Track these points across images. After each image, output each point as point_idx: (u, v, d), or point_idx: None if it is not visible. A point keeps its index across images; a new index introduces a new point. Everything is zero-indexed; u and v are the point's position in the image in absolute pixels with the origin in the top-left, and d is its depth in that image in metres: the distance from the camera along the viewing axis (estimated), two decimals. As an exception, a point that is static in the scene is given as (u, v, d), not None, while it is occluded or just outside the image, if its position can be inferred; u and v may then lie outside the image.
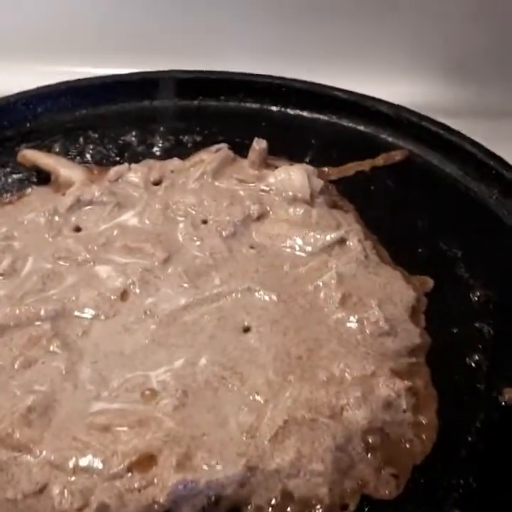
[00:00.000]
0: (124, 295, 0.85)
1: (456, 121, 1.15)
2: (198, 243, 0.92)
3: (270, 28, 1.47)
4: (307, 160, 1.10)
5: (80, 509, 0.65)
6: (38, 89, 1.17)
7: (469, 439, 0.74)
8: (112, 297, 0.84)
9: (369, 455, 0.71)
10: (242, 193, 1.00)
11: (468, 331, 0.86)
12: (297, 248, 0.93)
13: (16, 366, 0.77)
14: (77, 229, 0.94)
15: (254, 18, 1.46)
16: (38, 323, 0.81)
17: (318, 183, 1.01)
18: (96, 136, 1.15)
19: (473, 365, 0.82)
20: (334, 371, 0.76)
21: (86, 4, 1.44)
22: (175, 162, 1.06)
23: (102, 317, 0.83)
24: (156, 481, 0.66)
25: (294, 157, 1.10)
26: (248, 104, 1.23)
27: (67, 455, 0.68)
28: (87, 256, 0.89)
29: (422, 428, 0.74)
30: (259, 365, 0.77)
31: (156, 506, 0.65)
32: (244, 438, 0.70)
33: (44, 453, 0.68)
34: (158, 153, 1.13)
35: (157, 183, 1.02)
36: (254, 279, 0.88)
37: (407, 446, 0.73)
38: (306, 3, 1.44)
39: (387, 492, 0.69)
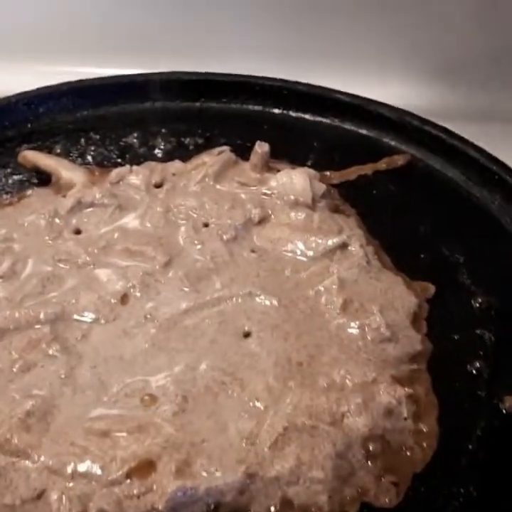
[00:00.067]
0: (124, 299, 0.85)
1: (458, 125, 1.14)
2: (199, 247, 0.92)
3: (270, 29, 1.47)
4: (309, 163, 1.09)
5: (78, 515, 0.64)
6: (39, 89, 1.17)
7: (470, 447, 0.74)
8: (112, 301, 0.84)
9: (369, 462, 0.70)
10: (243, 196, 1.00)
11: (470, 337, 0.85)
12: (299, 253, 0.92)
13: (14, 370, 0.76)
14: (78, 231, 0.94)
15: (255, 18, 1.46)
16: (37, 326, 0.80)
17: (320, 187, 1.01)
18: (97, 137, 1.15)
19: (474, 372, 0.81)
20: (335, 377, 0.76)
21: (87, 4, 1.44)
22: (176, 164, 1.06)
23: (102, 321, 0.82)
24: (155, 487, 0.65)
25: (296, 160, 1.09)
26: (250, 107, 1.23)
27: (65, 460, 0.67)
28: (88, 259, 0.89)
29: (423, 436, 0.74)
30: (260, 371, 0.77)
31: (154, 513, 0.65)
32: (243, 444, 0.69)
33: (42, 458, 0.68)
34: (159, 155, 1.12)
35: (158, 186, 1.02)
36: (255, 283, 0.87)
37: (408, 453, 0.72)
38: (307, 4, 1.43)
39: (387, 500, 0.69)
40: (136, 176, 1.02)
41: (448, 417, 0.76)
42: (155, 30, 1.47)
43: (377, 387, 0.75)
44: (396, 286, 0.89)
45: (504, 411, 0.77)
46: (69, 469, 0.66)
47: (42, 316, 0.81)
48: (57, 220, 0.95)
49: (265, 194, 1.00)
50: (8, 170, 1.07)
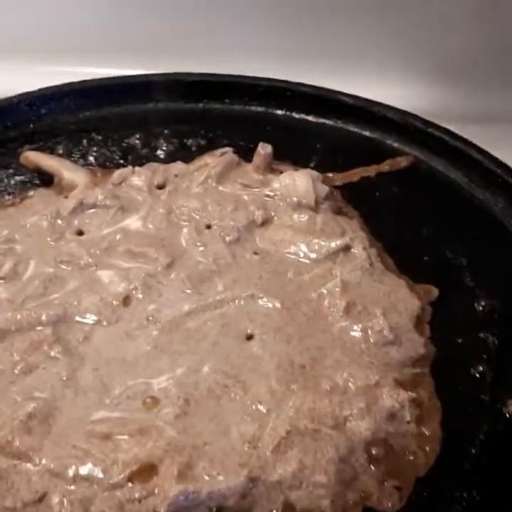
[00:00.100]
0: (126, 300, 0.85)
1: (460, 126, 1.14)
2: (201, 248, 0.92)
3: (271, 29, 1.46)
4: (312, 165, 1.09)
5: (80, 518, 0.64)
6: (42, 90, 1.17)
7: (473, 451, 0.74)
8: (114, 302, 0.84)
9: (372, 467, 0.70)
10: (246, 197, 1.00)
11: (473, 341, 0.85)
12: (301, 255, 0.92)
13: (16, 371, 0.76)
14: (80, 233, 0.94)
15: (256, 18, 1.46)
16: (39, 328, 0.80)
17: (323, 189, 1.00)
18: (100, 138, 1.14)
19: (477, 375, 0.81)
20: (338, 381, 0.76)
21: (90, 5, 1.44)
22: (179, 166, 1.06)
23: (104, 323, 0.82)
24: (156, 491, 0.65)
25: (299, 162, 1.09)
26: (253, 108, 1.23)
27: (67, 463, 0.67)
28: (90, 260, 0.89)
29: (426, 440, 0.74)
30: (262, 374, 0.76)
31: (156, 517, 0.64)
32: (246, 448, 0.69)
33: (44, 461, 0.67)
34: (162, 156, 1.12)
35: (161, 187, 1.02)
36: (258, 285, 0.87)
37: (411, 458, 0.72)
38: (308, 4, 1.43)
39: (390, 504, 0.69)
40: (138, 177, 1.02)
41: (451, 421, 0.76)
42: (157, 31, 1.47)
43: (380, 391, 0.75)
44: (399, 289, 0.88)
45: (507, 415, 0.77)
46: (70, 472, 0.66)
47: (44, 317, 0.81)
48: (59, 221, 0.94)
49: (268, 196, 1.00)
50: (10, 170, 1.07)
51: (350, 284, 0.88)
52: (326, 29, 1.46)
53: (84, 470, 0.66)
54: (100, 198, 0.96)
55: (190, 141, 1.15)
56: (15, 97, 1.15)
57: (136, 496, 0.65)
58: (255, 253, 0.92)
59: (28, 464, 0.68)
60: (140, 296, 0.85)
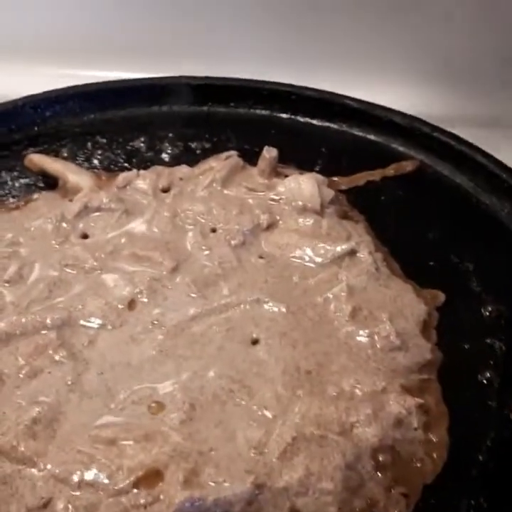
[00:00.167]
0: (131, 304, 0.84)
1: (467, 130, 1.13)
2: (206, 252, 0.91)
3: (273, 31, 1.46)
4: (317, 169, 1.09)
5: (85, 525, 0.64)
6: (46, 93, 1.17)
7: (480, 458, 0.73)
8: (119, 306, 0.83)
9: (379, 474, 0.70)
10: (251, 201, 0.99)
11: (480, 346, 0.84)
12: (307, 259, 0.92)
13: (21, 376, 0.76)
14: (85, 236, 0.94)
15: (257, 21, 1.45)
16: (44, 331, 0.80)
17: (329, 193, 1.00)
18: (104, 141, 1.14)
19: (484, 381, 0.80)
20: (344, 386, 0.75)
21: (95, 8, 1.44)
22: (183, 169, 1.05)
23: (109, 327, 0.82)
24: (162, 497, 0.64)
25: (304, 165, 1.09)
26: (258, 111, 1.23)
27: (71, 469, 0.66)
28: (95, 264, 0.88)
29: (433, 446, 0.73)
30: (268, 379, 0.76)
31: (162, 523, 0.64)
32: (252, 454, 0.68)
33: (49, 466, 0.67)
34: (166, 159, 1.12)
35: (166, 191, 1.01)
36: (263, 289, 0.87)
37: (418, 464, 0.72)
38: (310, 7, 1.43)
39: (397, 512, 0.68)
40: (143, 181, 1.01)
41: (458, 427, 0.75)
42: (161, 34, 1.47)
43: (386, 397, 0.74)
44: (405, 294, 0.88)
45: (515, 421, 0.77)
46: (75, 478, 0.66)
47: (48, 321, 0.80)
48: (64, 225, 0.94)
49: (273, 199, 0.99)
50: (15, 173, 1.06)
51: (356, 288, 0.87)
52: (329, 31, 1.46)
53: (89, 475, 0.66)
54: (105, 201, 0.96)
55: (194, 145, 1.14)
56: (19, 99, 1.15)
57: (142, 502, 0.64)
58: (261, 257, 0.92)
59: (33, 469, 0.67)
60: (145, 300, 0.85)
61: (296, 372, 0.77)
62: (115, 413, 0.72)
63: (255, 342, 0.81)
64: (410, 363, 0.80)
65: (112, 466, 0.66)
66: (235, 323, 0.83)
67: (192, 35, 1.46)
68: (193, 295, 0.85)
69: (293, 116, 1.22)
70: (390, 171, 1.11)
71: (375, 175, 1.10)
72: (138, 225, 0.95)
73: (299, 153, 1.11)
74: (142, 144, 1.14)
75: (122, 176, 1.01)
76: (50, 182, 1.04)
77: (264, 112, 1.22)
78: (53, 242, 0.92)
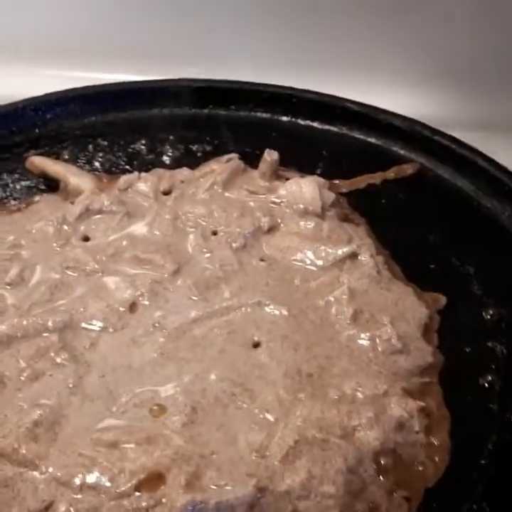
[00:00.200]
0: (132, 307, 0.84)
1: (467, 134, 1.14)
2: (207, 255, 0.91)
3: (274, 33, 1.46)
4: (318, 172, 1.09)
5: (87, 528, 0.64)
6: (47, 95, 1.17)
7: (482, 461, 0.73)
8: (121, 309, 0.83)
9: (381, 477, 0.70)
10: (252, 204, 0.99)
11: (481, 350, 0.84)
12: (308, 262, 0.92)
13: (22, 378, 0.76)
14: (86, 238, 0.94)
15: (256, 21, 1.45)
16: (45, 334, 0.80)
17: (330, 196, 1.00)
18: (105, 143, 1.14)
19: (486, 385, 0.80)
20: (346, 390, 0.75)
21: (95, 10, 1.44)
22: (185, 172, 1.05)
23: (111, 329, 0.82)
24: (164, 500, 0.64)
25: (305, 168, 1.09)
26: (258, 114, 1.23)
27: (73, 472, 0.66)
28: (96, 266, 0.88)
29: (435, 450, 0.73)
30: (270, 382, 0.76)
31: (164, 527, 0.64)
32: (253, 457, 0.68)
33: (50, 469, 0.67)
34: (167, 162, 1.12)
35: (167, 193, 1.02)
36: (265, 292, 0.87)
37: (420, 468, 0.72)
38: (310, 10, 1.43)
39: (399, 516, 0.68)
40: (144, 183, 1.01)
41: (460, 430, 0.75)
42: (162, 36, 1.47)
43: (388, 400, 0.74)
44: (407, 297, 0.88)
45: (516, 425, 0.77)
46: (77, 481, 0.66)
47: (50, 324, 0.80)
48: (65, 227, 0.94)
49: (274, 202, 1.00)
50: (16, 175, 1.06)
51: (358, 291, 0.87)
52: (329, 31, 1.45)
53: (91, 479, 0.66)
54: (106, 203, 0.96)
55: (195, 147, 1.14)
56: (20, 102, 1.15)
57: (144, 505, 0.64)
58: (262, 260, 0.92)
59: (35, 472, 0.67)
60: (146, 302, 0.85)
61: (297, 376, 0.77)
62: (117, 416, 0.72)
63: (257, 345, 0.81)
64: (412, 366, 0.80)
65: (113, 469, 0.66)
66: (236, 326, 0.83)
67: (192, 36, 1.45)
68: (194, 298, 0.85)
69: (294, 119, 1.22)
70: (391, 174, 1.11)
71: (376, 178, 1.10)
72: (139, 228, 0.95)
73: (299, 156, 1.11)
74: (143, 147, 1.14)
75: (123, 179, 1.01)
76: (52, 184, 1.04)
77: (264, 115, 1.22)
78: (55, 244, 0.92)
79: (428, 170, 1.12)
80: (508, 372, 0.82)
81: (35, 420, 0.70)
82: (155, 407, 0.73)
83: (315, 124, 1.21)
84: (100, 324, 0.82)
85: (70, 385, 0.75)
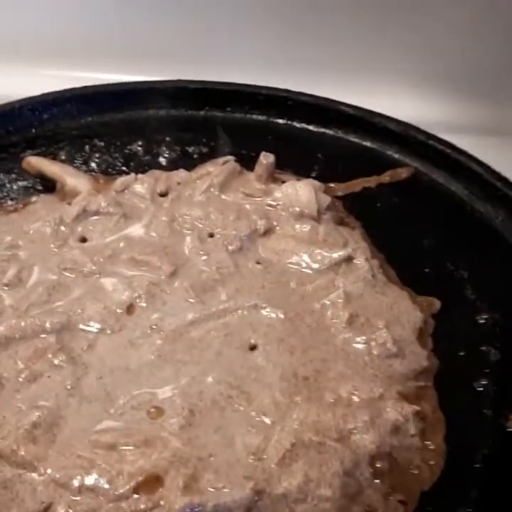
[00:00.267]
0: (130, 309, 0.85)
1: (462, 138, 1.14)
2: (204, 257, 0.92)
3: (274, 33, 1.46)
4: (314, 175, 1.09)
5: (85, 530, 0.64)
6: (44, 95, 1.16)
7: (476, 465, 0.74)
8: (118, 311, 0.84)
9: (377, 481, 0.70)
10: (248, 207, 1.00)
11: (475, 354, 0.85)
12: (304, 265, 0.92)
13: (20, 379, 0.76)
14: (83, 239, 0.94)
15: (256, 22, 1.45)
16: (43, 335, 0.80)
17: (326, 199, 1.00)
18: (102, 144, 1.14)
19: (480, 389, 0.81)
20: (341, 393, 0.76)
21: (93, 11, 1.43)
22: (181, 174, 1.05)
23: (108, 331, 0.82)
24: (162, 503, 0.65)
25: (301, 171, 1.09)
26: (254, 116, 1.23)
27: (72, 474, 0.67)
28: (93, 268, 0.89)
29: (430, 453, 0.74)
30: (266, 385, 0.76)
31: (162, 529, 0.64)
32: (251, 460, 0.69)
33: (49, 471, 0.67)
34: (164, 163, 1.12)
35: (163, 195, 1.02)
36: (261, 295, 0.87)
37: (415, 472, 0.72)
38: (309, 14, 1.43)
39: (395, 519, 0.69)
40: (141, 185, 1.01)
41: (454, 434, 0.76)
42: (159, 37, 1.46)
43: (384, 404, 0.75)
44: (402, 301, 0.89)
45: (510, 430, 0.77)
46: (76, 483, 0.66)
47: (48, 325, 0.80)
48: (62, 228, 0.94)
49: (270, 205, 1.00)
50: (13, 176, 1.06)
51: (353, 295, 0.88)
52: (329, 31, 1.45)
53: (89, 480, 0.66)
54: (103, 205, 0.96)
55: (192, 149, 1.14)
56: (17, 101, 1.14)
57: (142, 507, 0.65)
58: (258, 262, 0.92)
59: (33, 474, 0.67)
60: (144, 304, 0.85)
61: (293, 379, 0.77)
62: (115, 418, 0.73)
63: (253, 348, 0.81)
64: (407, 369, 0.80)
65: (112, 471, 0.67)
66: (232, 329, 0.83)
67: (192, 36, 1.45)
68: (191, 300, 0.86)
69: (289, 122, 1.22)
70: (386, 177, 1.11)
71: (371, 181, 1.10)
72: (136, 229, 0.95)
73: (295, 159, 1.11)
74: (140, 148, 1.14)
75: (120, 180, 1.02)
76: (49, 185, 1.04)
77: (260, 117, 1.22)
78: (52, 245, 0.92)
79: (422, 174, 1.12)
80: (501, 377, 0.82)
81: (33, 422, 0.70)
82: (152, 410, 0.74)
83: (310, 127, 1.21)
84: (98, 326, 0.82)
85: (68, 387, 0.75)
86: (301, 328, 0.84)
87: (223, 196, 1.01)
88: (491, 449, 0.75)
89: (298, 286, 0.90)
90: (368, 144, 1.19)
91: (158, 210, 0.98)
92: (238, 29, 1.45)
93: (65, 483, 0.66)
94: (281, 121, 1.23)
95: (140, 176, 1.03)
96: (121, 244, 0.92)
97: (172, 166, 1.10)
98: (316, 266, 0.92)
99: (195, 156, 1.13)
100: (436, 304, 0.90)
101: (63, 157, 1.11)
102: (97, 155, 1.12)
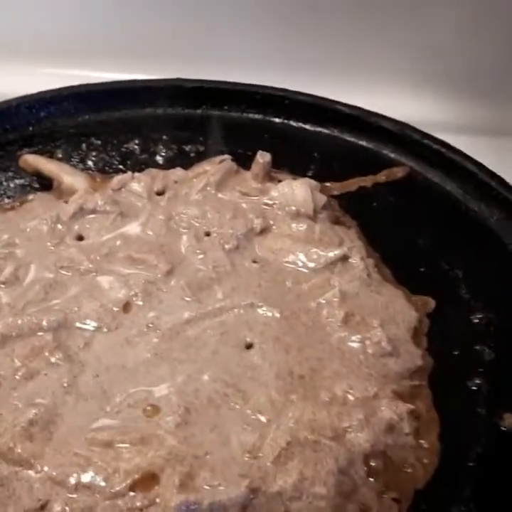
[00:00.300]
0: (126, 307, 0.85)
1: (457, 138, 1.15)
2: (200, 256, 0.92)
3: (273, 32, 1.46)
4: (310, 174, 1.09)
5: (82, 528, 0.64)
6: (41, 93, 1.17)
7: (470, 464, 0.74)
8: (115, 309, 0.84)
9: (371, 479, 0.71)
10: (245, 206, 1.00)
11: (469, 353, 0.85)
12: (300, 264, 0.92)
13: (17, 377, 0.76)
14: (80, 238, 0.94)
15: (256, 22, 1.45)
16: (40, 333, 0.80)
17: (322, 199, 1.01)
18: (99, 142, 1.14)
19: (474, 388, 0.81)
20: (337, 392, 0.76)
21: (90, 9, 1.43)
22: (178, 172, 1.06)
23: (104, 329, 0.82)
24: (158, 500, 0.65)
25: (297, 170, 1.10)
26: (251, 115, 1.23)
27: (68, 471, 0.67)
28: (90, 266, 0.89)
29: (424, 452, 0.74)
30: (262, 383, 0.77)
31: (158, 527, 0.64)
32: (246, 458, 0.69)
33: (45, 468, 0.67)
34: (160, 161, 1.12)
35: (160, 193, 1.02)
36: (257, 294, 0.88)
37: (409, 470, 0.73)
38: (308, 14, 1.43)
39: (388, 517, 0.69)
40: (138, 183, 1.02)
41: (448, 433, 0.76)
42: (157, 36, 1.46)
43: (378, 403, 0.75)
44: (397, 300, 0.89)
45: (503, 428, 0.78)
46: (72, 480, 0.66)
47: (45, 323, 0.81)
48: (59, 226, 0.94)
49: (267, 204, 1.00)
50: (10, 174, 1.06)
51: (349, 294, 0.88)
52: (329, 31, 1.45)
53: (85, 478, 0.66)
54: (100, 203, 0.96)
55: (188, 148, 1.15)
56: (14, 99, 1.15)
57: (138, 504, 0.65)
58: (254, 261, 0.93)
59: (30, 471, 0.68)
60: (140, 302, 0.85)
61: (289, 377, 0.78)
62: (111, 416, 0.73)
63: (249, 346, 0.82)
64: (401, 368, 0.81)
65: (108, 468, 0.67)
66: (229, 327, 0.83)
67: (192, 36, 1.45)
68: (187, 299, 0.86)
69: (286, 121, 1.23)
70: (382, 177, 1.12)
71: (367, 181, 1.11)
72: (133, 228, 0.95)
73: (291, 158, 1.11)
74: (136, 146, 1.14)
75: (117, 179, 1.02)
76: (45, 183, 1.04)
77: (257, 116, 1.23)
78: (49, 243, 0.92)
79: (418, 173, 1.13)
80: (495, 376, 0.83)
81: (30, 419, 0.71)
82: (149, 408, 0.74)
83: (307, 126, 1.22)
84: (94, 324, 0.82)
85: (65, 385, 0.75)
86: (296, 326, 0.84)
87: (220, 195, 1.02)
88: (485, 448, 0.75)
89: (294, 285, 0.90)
90: (363, 143, 1.19)
91: (155, 209, 0.98)
92: (238, 29, 1.45)
93: (61, 480, 0.66)
94: (277, 120, 1.23)
95: (137, 174, 1.04)
96: (118, 243, 0.92)
97: (169, 164, 1.10)
98: (311, 265, 0.92)
99: (191, 154, 1.14)
100: (431, 303, 0.91)
101: (60, 155, 1.11)
102: (93, 153, 1.12)
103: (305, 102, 1.23)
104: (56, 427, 0.71)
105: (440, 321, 0.89)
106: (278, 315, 0.85)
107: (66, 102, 1.18)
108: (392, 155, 1.16)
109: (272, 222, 0.98)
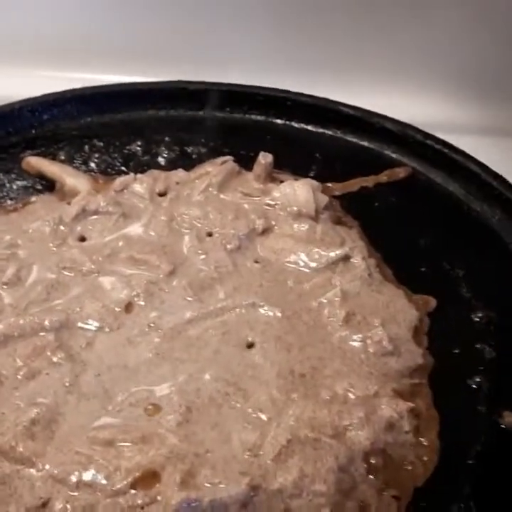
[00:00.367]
0: (128, 307, 0.85)
1: (459, 138, 1.15)
2: (202, 256, 0.92)
3: (273, 33, 1.47)
4: (312, 174, 1.10)
5: (83, 525, 0.65)
6: (44, 96, 1.18)
7: (469, 462, 0.74)
8: (117, 309, 0.84)
9: (371, 476, 0.71)
10: (246, 206, 1.01)
11: (470, 352, 0.86)
12: (301, 264, 0.93)
13: (19, 377, 0.76)
14: (82, 239, 0.94)
15: (256, 22, 1.46)
16: (42, 333, 0.81)
17: (323, 199, 1.01)
18: (101, 144, 1.15)
19: (474, 386, 0.82)
20: (337, 390, 0.76)
21: (93, 12, 1.44)
22: (180, 173, 1.06)
23: (106, 329, 0.82)
24: (159, 498, 0.65)
25: (299, 171, 1.10)
26: (253, 117, 1.24)
27: (70, 469, 0.67)
28: (92, 267, 0.89)
29: (424, 450, 0.74)
30: (263, 382, 0.77)
31: (159, 524, 0.65)
32: (247, 456, 0.69)
33: (47, 467, 0.68)
34: (163, 163, 1.13)
35: (162, 194, 1.02)
36: (259, 293, 0.88)
37: (409, 468, 0.73)
38: (309, 15, 1.44)
39: (388, 514, 0.69)
40: (140, 185, 1.02)
41: (448, 431, 0.76)
42: (157, 36, 1.47)
43: (379, 401, 0.75)
44: (398, 300, 0.89)
45: (503, 426, 0.78)
46: (73, 478, 0.67)
47: (47, 323, 0.81)
48: (61, 227, 0.95)
49: (268, 205, 1.01)
50: (13, 175, 1.07)
51: (350, 293, 0.89)
52: (329, 31, 1.46)
53: (87, 476, 0.67)
54: (102, 204, 0.97)
55: (191, 149, 1.15)
56: (17, 102, 1.16)
57: (139, 502, 0.65)
58: (256, 261, 0.93)
59: (32, 470, 0.68)
60: (142, 303, 0.86)
61: (290, 376, 0.78)
62: (112, 415, 0.73)
63: (250, 345, 0.82)
64: (402, 367, 0.81)
65: (109, 467, 0.67)
66: (230, 327, 0.84)
67: (192, 36, 1.46)
68: (189, 299, 0.87)
69: (288, 122, 1.23)
70: (384, 177, 1.12)
71: (369, 181, 1.11)
72: (135, 229, 0.96)
73: (293, 159, 1.12)
74: (139, 148, 1.15)
75: (119, 180, 1.02)
76: (48, 185, 1.05)
77: (259, 118, 1.24)
78: (51, 244, 0.92)
79: (420, 174, 1.13)
80: (496, 374, 0.83)
81: (32, 418, 0.71)
82: (150, 407, 0.74)
83: (309, 127, 1.23)
84: (96, 324, 0.83)
85: (67, 384, 0.76)
86: (298, 326, 0.84)
87: (222, 196, 1.02)
88: (485, 446, 0.76)
89: (295, 284, 0.90)
90: (365, 143, 1.20)
91: (157, 210, 0.99)
92: (238, 29, 1.46)
93: (63, 478, 0.67)
94: (279, 121, 1.24)
95: (139, 175, 1.04)
96: (120, 244, 0.93)
97: (171, 166, 1.11)
98: (313, 265, 0.93)
99: (194, 156, 1.14)
100: (432, 302, 0.91)
101: (63, 157, 1.12)
102: (96, 155, 1.13)
103: (307, 103, 1.23)
104: (58, 425, 0.72)
105: (441, 320, 0.89)
106: (279, 314, 0.85)
107: (69, 105, 1.18)
108: (394, 155, 1.17)
109: (273, 222, 0.98)
